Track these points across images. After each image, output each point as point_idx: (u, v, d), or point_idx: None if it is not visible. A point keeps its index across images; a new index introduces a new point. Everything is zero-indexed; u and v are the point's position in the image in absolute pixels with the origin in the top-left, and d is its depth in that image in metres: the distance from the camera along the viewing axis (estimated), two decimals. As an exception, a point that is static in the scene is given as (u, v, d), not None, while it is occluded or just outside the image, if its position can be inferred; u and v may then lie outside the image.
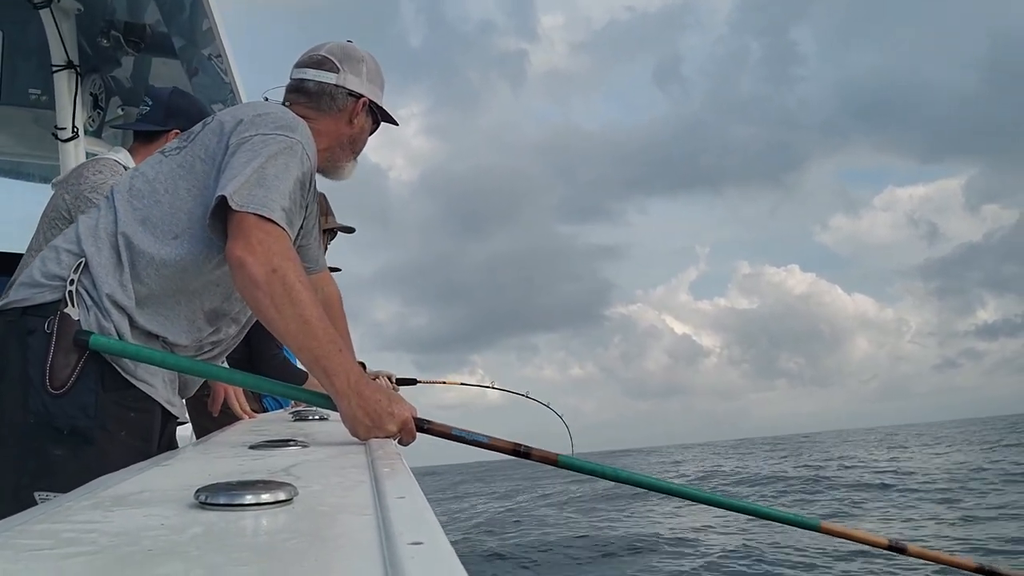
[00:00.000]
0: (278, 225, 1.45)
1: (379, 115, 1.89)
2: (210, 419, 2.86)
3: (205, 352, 1.73)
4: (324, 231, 3.07)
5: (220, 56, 3.87)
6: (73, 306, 1.51)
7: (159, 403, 1.61)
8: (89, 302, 1.53)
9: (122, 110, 4.53)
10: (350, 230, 3.17)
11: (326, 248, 3.10)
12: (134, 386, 1.55)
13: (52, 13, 3.43)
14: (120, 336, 1.53)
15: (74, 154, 3.45)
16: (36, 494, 1.45)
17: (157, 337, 1.61)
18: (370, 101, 1.84)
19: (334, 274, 3.16)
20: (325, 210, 3.10)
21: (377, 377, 3.39)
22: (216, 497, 0.73)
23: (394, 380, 3.47)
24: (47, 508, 0.78)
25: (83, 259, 1.56)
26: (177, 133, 2.44)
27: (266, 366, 2.94)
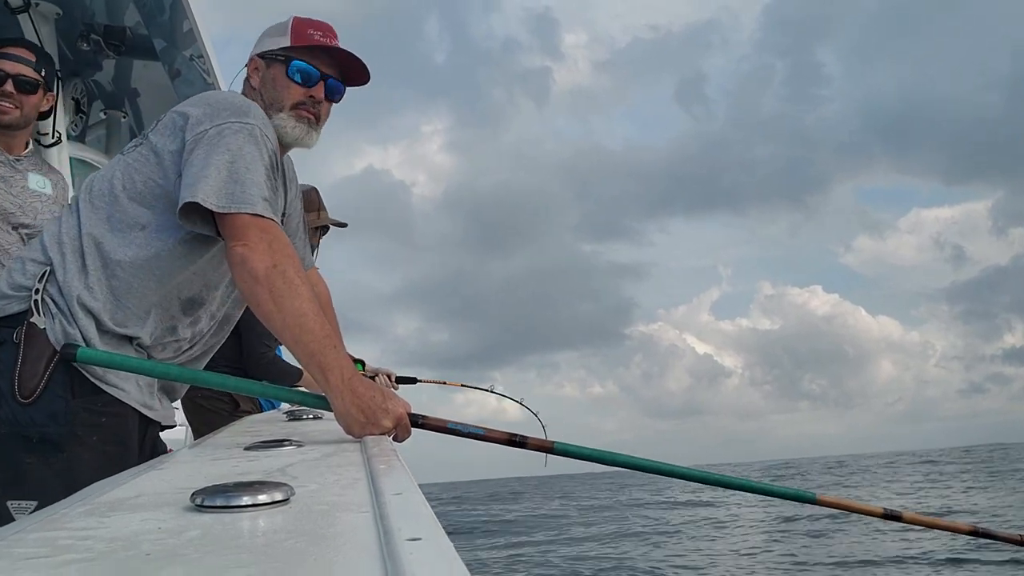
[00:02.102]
0: (270, 219, 1.46)
1: (286, 55, 1.72)
2: (204, 421, 2.85)
3: (184, 352, 1.73)
4: (317, 228, 3.06)
5: (202, 56, 3.84)
6: (39, 315, 1.52)
7: (133, 407, 1.61)
8: (55, 310, 1.54)
9: (104, 114, 4.50)
10: (342, 225, 3.16)
11: (318, 243, 3.09)
12: (104, 391, 1.56)
13: (31, 18, 3.40)
14: (87, 341, 1.53)
15: (57, 159, 3.42)
16: (9, 503, 1.47)
17: (129, 339, 1.61)
18: (263, 54, 1.74)
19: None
20: (317, 205, 3.08)
21: (376, 375, 3.38)
22: (213, 499, 0.73)
23: (394, 378, 3.47)
24: (41, 516, 0.78)
25: (48, 267, 1.56)
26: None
27: (256, 365, 2.93)
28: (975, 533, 2.08)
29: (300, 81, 1.71)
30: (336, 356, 1.38)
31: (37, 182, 2.41)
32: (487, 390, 3.92)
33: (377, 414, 1.34)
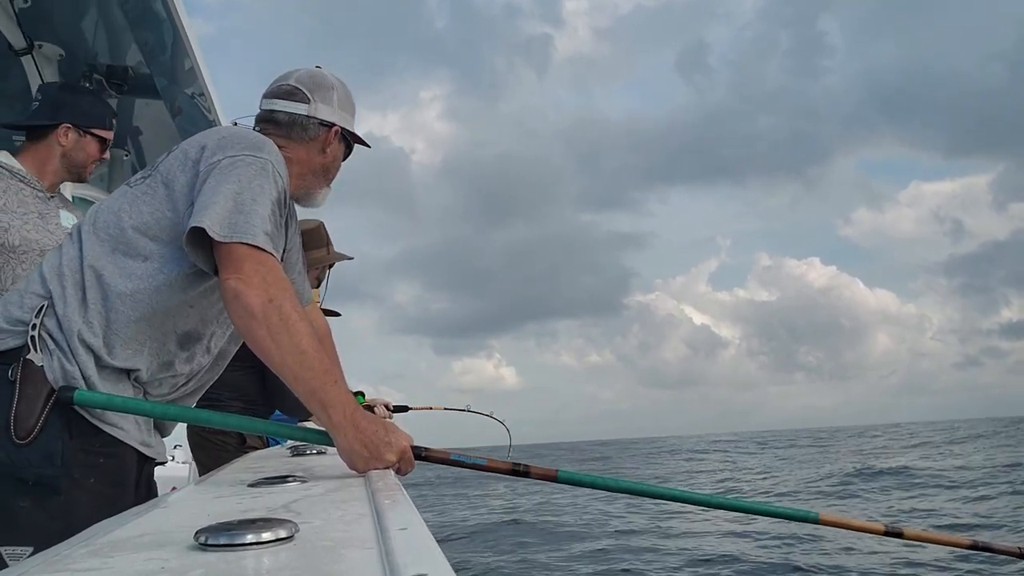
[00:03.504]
0: (268, 253, 1.44)
1: (351, 140, 1.88)
2: (211, 457, 2.84)
3: (180, 388, 1.71)
4: (324, 265, 3.09)
5: (203, 95, 3.88)
6: (36, 351, 1.48)
7: (132, 446, 1.58)
8: (52, 346, 1.50)
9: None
10: (348, 258, 3.19)
11: (326, 278, 3.12)
12: (103, 431, 1.53)
13: (34, 59, 3.44)
14: (86, 378, 1.50)
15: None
16: (2, 549, 1.42)
17: (127, 372, 1.59)
18: (342, 128, 1.83)
19: (333, 319, 3.18)
20: (326, 241, 3.11)
21: (374, 406, 3.40)
22: (217, 538, 0.72)
23: (391, 407, 3.52)
24: (43, 557, 0.77)
25: (47, 301, 1.53)
26: (68, 127, 2.37)
27: (280, 396, 2.92)
28: (975, 547, 2.09)
29: (342, 160, 1.89)
30: (337, 392, 1.36)
31: (67, 219, 2.45)
32: (463, 410, 4.26)
33: (380, 448, 1.33)
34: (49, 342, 1.51)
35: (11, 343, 1.50)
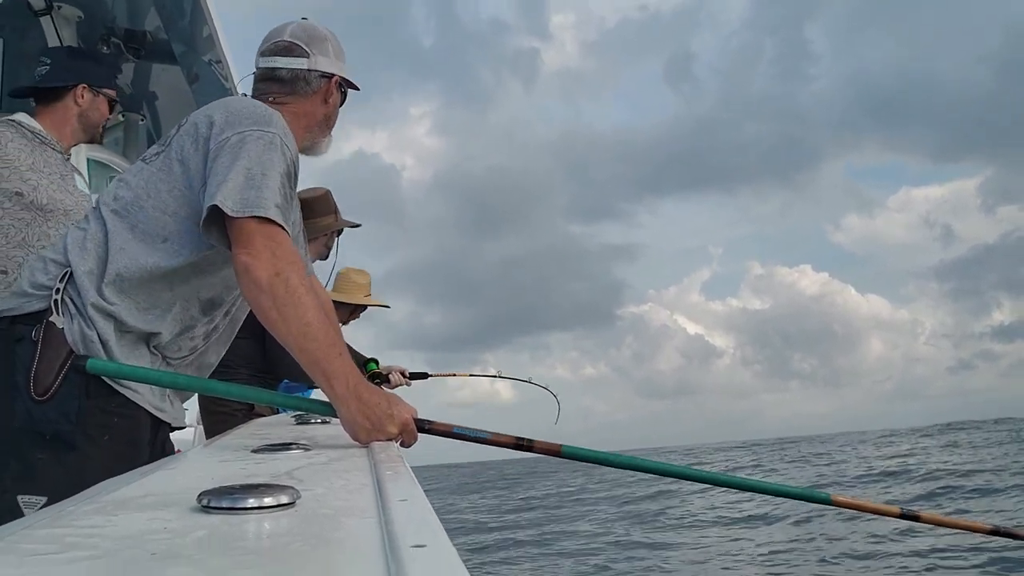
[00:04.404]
0: (279, 226, 1.47)
1: (346, 86, 1.91)
2: (219, 422, 2.87)
3: (199, 351, 1.76)
4: (332, 232, 3.08)
5: (221, 62, 3.88)
6: (58, 314, 1.55)
7: (145, 409, 1.63)
8: (73, 310, 1.56)
9: (123, 116, 4.54)
10: (356, 225, 3.19)
11: (335, 245, 3.12)
12: (119, 392, 1.58)
13: (53, 20, 3.44)
14: (104, 342, 1.56)
15: (75, 161, 3.46)
16: (19, 498, 1.49)
17: (148, 337, 1.63)
18: (340, 77, 1.87)
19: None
20: (333, 208, 3.11)
21: (390, 372, 3.40)
22: (219, 501, 0.73)
23: (407, 374, 3.50)
24: (49, 512, 0.78)
25: (68, 269, 1.59)
26: (85, 87, 2.41)
27: (281, 364, 2.95)
28: (996, 533, 1.99)
29: (340, 106, 1.91)
30: (341, 363, 1.38)
31: (80, 182, 2.48)
32: (495, 376, 4.11)
33: (383, 420, 1.34)
34: (71, 307, 1.57)
35: (36, 306, 1.57)
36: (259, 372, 2.91)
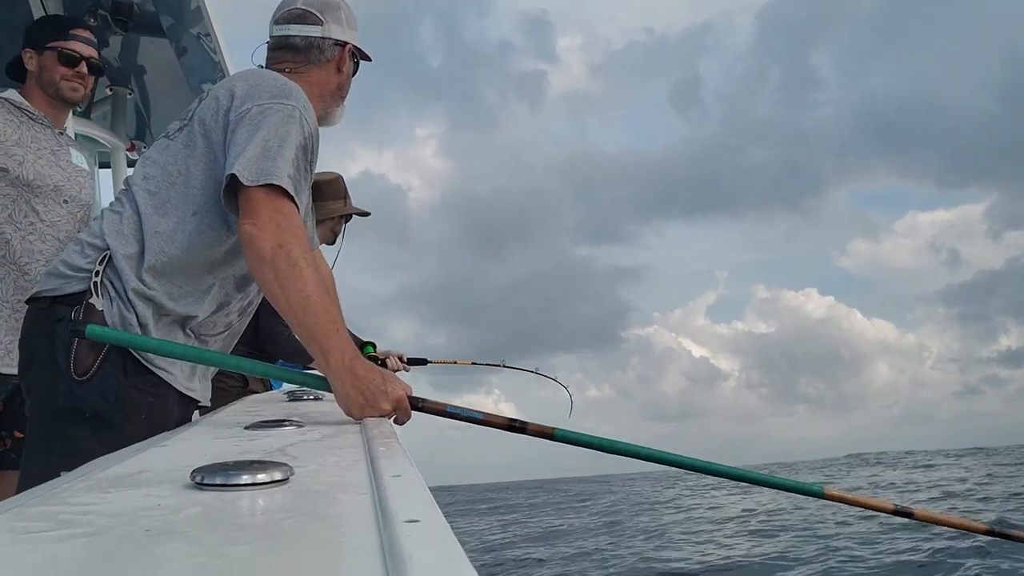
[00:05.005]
0: (287, 198, 1.48)
1: (359, 56, 1.90)
2: (214, 398, 2.87)
3: (232, 327, 1.80)
4: (340, 216, 3.06)
5: (209, 35, 3.83)
6: (98, 296, 1.57)
7: (175, 388, 1.67)
8: (113, 293, 1.59)
9: (110, 90, 4.49)
10: (366, 214, 3.16)
11: (343, 231, 3.10)
12: (153, 372, 1.61)
13: (38, -8, 3.39)
14: (143, 324, 1.59)
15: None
16: (63, 474, 1.50)
17: (185, 320, 1.67)
18: (352, 45, 1.86)
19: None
20: (344, 193, 3.09)
21: (387, 356, 3.39)
22: (212, 477, 0.73)
23: (405, 359, 3.47)
24: (43, 490, 0.78)
25: (107, 252, 1.61)
26: (29, 52, 2.32)
27: (273, 343, 2.95)
28: (991, 533, 1.94)
29: (352, 75, 1.91)
30: (338, 338, 1.38)
31: (77, 157, 2.43)
32: (498, 365, 3.86)
33: (377, 396, 1.34)
34: (111, 289, 1.59)
35: (76, 287, 1.59)
36: (254, 349, 2.92)
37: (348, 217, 3.11)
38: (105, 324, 1.55)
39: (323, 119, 1.87)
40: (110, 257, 1.60)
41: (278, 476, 0.74)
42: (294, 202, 1.49)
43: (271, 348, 2.95)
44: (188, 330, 1.69)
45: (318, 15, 1.80)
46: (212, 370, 1.84)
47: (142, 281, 1.59)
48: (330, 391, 1.41)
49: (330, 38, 1.81)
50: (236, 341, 1.88)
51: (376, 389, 1.35)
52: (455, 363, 3.80)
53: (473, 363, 3.88)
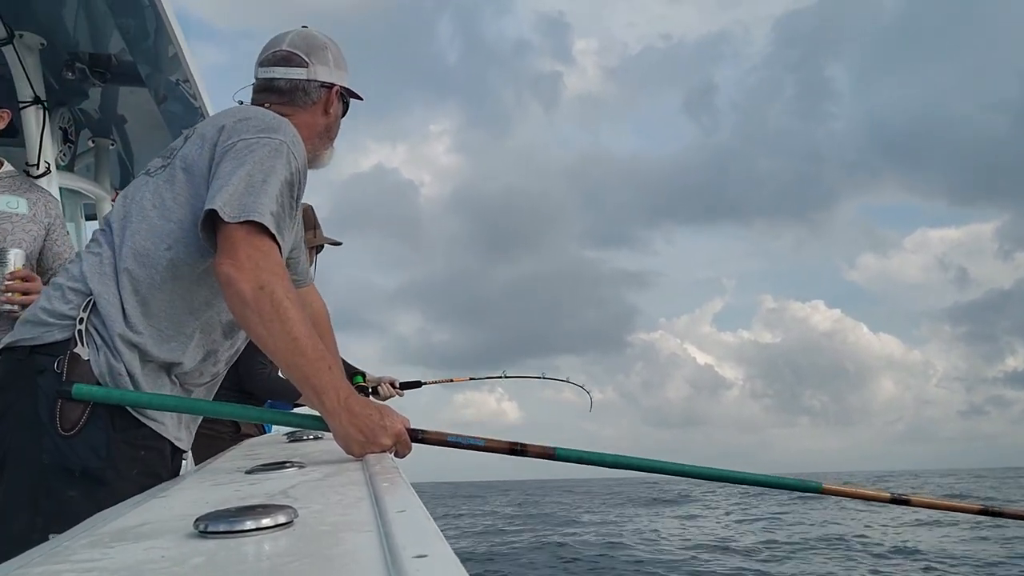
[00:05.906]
0: (268, 236, 1.43)
1: (348, 96, 1.89)
2: (206, 446, 2.84)
3: (218, 375, 1.75)
4: (311, 248, 3.05)
5: (188, 81, 3.85)
6: (83, 345, 1.50)
7: (168, 440, 1.61)
8: (99, 341, 1.52)
9: (92, 142, 4.50)
10: (337, 243, 3.16)
11: (313, 262, 3.08)
12: (145, 425, 1.55)
13: (15, 49, 3.40)
14: (131, 374, 1.53)
15: (47, 188, 3.43)
16: (52, 536, 1.45)
17: (170, 367, 1.61)
18: (340, 87, 1.84)
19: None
20: (313, 223, 3.08)
21: (379, 384, 3.35)
22: (216, 525, 0.72)
23: (397, 385, 3.41)
24: (45, 549, 0.77)
25: (91, 298, 1.54)
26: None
27: (257, 383, 2.92)
28: (985, 512, 1.99)
29: (341, 117, 1.90)
30: (330, 377, 1.36)
31: (8, 203, 2.46)
32: (499, 377, 3.77)
33: (375, 432, 1.33)
34: (96, 338, 1.52)
35: (57, 336, 1.51)
36: (236, 389, 2.89)
37: (319, 248, 3.11)
38: (91, 373, 1.49)
39: (311, 162, 1.83)
40: (94, 303, 1.54)
41: (282, 519, 0.74)
42: (276, 240, 1.45)
43: (253, 386, 2.92)
44: (173, 377, 1.63)
45: (303, 57, 1.79)
46: (197, 418, 1.78)
47: (129, 326, 1.53)
48: (326, 430, 1.40)
49: (316, 80, 1.79)
50: (219, 387, 1.83)
51: (374, 425, 1.33)
52: (451, 381, 3.69)
53: (471, 378, 3.75)
